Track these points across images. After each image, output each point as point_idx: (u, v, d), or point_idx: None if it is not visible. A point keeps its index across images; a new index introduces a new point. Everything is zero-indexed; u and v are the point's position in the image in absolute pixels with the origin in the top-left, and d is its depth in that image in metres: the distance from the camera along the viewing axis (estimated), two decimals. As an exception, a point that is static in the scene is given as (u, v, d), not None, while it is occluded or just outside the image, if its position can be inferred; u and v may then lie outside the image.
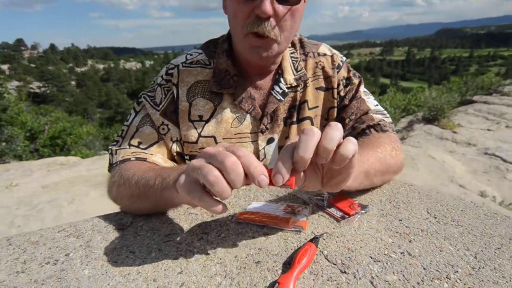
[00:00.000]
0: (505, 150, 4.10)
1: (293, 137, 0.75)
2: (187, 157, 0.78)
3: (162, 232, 0.56)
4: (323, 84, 0.79)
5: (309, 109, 0.77)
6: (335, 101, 0.79)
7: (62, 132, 8.99)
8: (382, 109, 0.81)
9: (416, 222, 0.54)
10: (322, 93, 0.79)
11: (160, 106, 0.74)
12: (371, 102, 0.80)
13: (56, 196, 3.32)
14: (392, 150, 0.69)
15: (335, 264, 0.45)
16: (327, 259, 0.47)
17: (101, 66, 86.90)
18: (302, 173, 0.44)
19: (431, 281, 0.41)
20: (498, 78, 9.02)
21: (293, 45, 0.79)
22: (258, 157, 0.76)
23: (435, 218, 0.55)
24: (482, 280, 0.41)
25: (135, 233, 0.57)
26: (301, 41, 0.82)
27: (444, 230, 0.52)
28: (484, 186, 3.33)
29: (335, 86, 0.78)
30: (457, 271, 0.43)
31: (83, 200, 3.12)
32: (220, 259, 0.48)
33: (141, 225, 0.59)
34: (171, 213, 0.62)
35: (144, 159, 0.70)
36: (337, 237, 0.52)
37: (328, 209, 0.59)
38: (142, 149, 0.72)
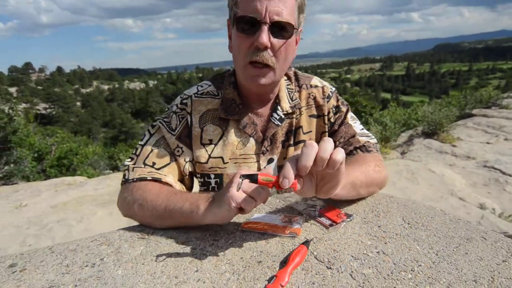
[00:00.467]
0: (504, 162, 4.16)
1: None
2: (198, 175, 0.89)
3: (179, 240, 0.67)
4: (315, 112, 0.91)
5: (304, 133, 0.90)
6: (326, 126, 0.91)
7: (69, 152, 9.17)
8: (367, 132, 0.93)
9: (392, 228, 0.65)
10: (314, 120, 0.91)
11: (176, 131, 0.85)
12: (357, 126, 0.92)
13: (65, 215, 3.42)
14: (375, 166, 0.81)
15: (322, 262, 0.56)
16: (316, 258, 0.57)
17: (106, 87, 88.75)
18: (301, 180, 0.57)
19: (399, 273, 0.52)
20: (496, 91, 9.16)
21: (289, 78, 0.92)
22: None
23: (408, 224, 0.66)
24: (439, 271, 0.51)
25: (156, 241, 0.67)
26: (296, 74, 0.95)
27: (414, 233, 0.62)
28: (484, 198, 3.38)
29: (326, 113, 0.91)
30: (420, 265, 0.53)
31: (91, 219, 3.21)
32: (229, 260, 0.58)
33: (161, 234, 0.70)
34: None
35: (159, 179, 0.81)
36: (325, 241, 0.62)
37: (319, 218, 0.70)
38: (156, 169, 0.83)
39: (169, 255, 0.61)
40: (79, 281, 0.56)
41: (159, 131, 0.87)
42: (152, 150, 0.84)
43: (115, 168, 10.78)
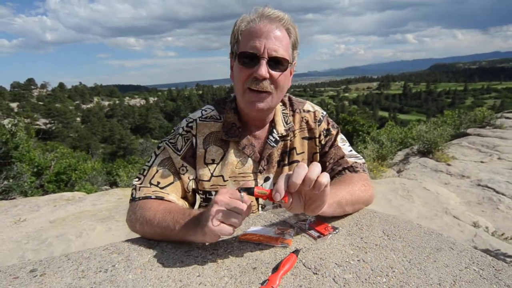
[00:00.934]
0: (497, 181, 4.24)
1: None
2: (200, 192, 0.97)
3: (183, 249, 0.74)
4: (307, 135, 1.01)
5: (297, 154, 0.99)
6: (318, 147, 1.01)
7: (68, 167, 9.20)
8: (355, 153, 1.03)
9: (373, 239, 0.73)
10: (306, 142, 1.01)
11: (181, 151, 0.94)
12: (346, 148, 1.02)
13: (64, 230, 3.44)
14: (361, 186, 0.89)
15: (309, 268, 0.63)
16: (304, 265, 0.65)
17: (106, 103, 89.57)
18: (291, 196, 0.66)
19: (375, 278, 0.59)
20: (490, 111, 9.36)
21: (284, 103, 1.03)
22: None
23: (387, 236, 0.74)
24: (410, 276, 0.59)
25: (162, 250, 0.75)
26: (290, 99, 1.05)
27: (392, 244, 0.70)
28: (478, 216, 3.43)
29: (317, 136, 1.01)
30: (394, 271, 0.61)
31: (90, 234, 3.23)
32: (227, 266, 0.66)
33: (166, 244, 0.78)
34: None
35: (162, 198, 0.89)
36: (313, 250, 0.70)
37: (308, 231, 0.78)
38: (160, 188, 0.91)
39: (174, 262, 0.69)
40: (94, 284, 0.63)
41: (164, 151, 0.96)
42: (157, 171, 0.93)
43: (113, 184, 10.77)
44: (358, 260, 0.65)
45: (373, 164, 6.10)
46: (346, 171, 0.96)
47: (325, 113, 1.06)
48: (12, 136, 6.35)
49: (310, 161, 1.01)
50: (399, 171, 5.75)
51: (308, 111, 1.03)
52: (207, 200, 0.97)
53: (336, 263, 0.64)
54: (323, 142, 1.01)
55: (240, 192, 0.66)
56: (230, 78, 0.96)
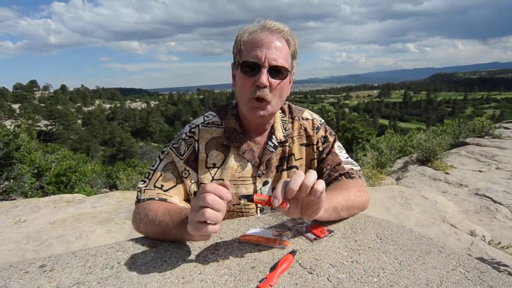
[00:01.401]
0: (494, 191, 4.27)
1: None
2: None
3: (185, 248, 0.78)
4: (305, 141, 1.05)
5: (295, 160, 1.03)
6: (315, 154, 1.05)
7: (68, 169, 9.22)
8: (351, 160, 1.07)
9: (366, 242, 0.76)
10: (304, 148, 1.05)
11: (184, 155, 0.99)
12: (342, 155, 1.06)
13: (64, 232, 3.46)
14: (357, 191, 0.93)
15: (305, 268, 0.67)
16: (300, 265, 0.68)
17: (107, 106, 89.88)
18: (288, 202, 0.69)
19: (367, 278, 0.63)
20: (489, 121, 9.41)
21: (283, 111, 1.07)
22: None
23: (380, 239, 0.77)
24: (399, 277, 0.62)
25: (165, 249, 0.78)
26: (289, 107, 1.10)
27: (384, 247, 0.74)
28: (475, 225, 3.45)
29: (315, 143, 1.05)
30: (385, 272, 0.64)
31: (90, 236, 3.25)
32: (227, 265, 0.69)
33: (169, 244, 0.81)
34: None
35: (165, 200, 0.93)
36: (309, 251, 0.73)
37: (305, 233, 0.81)
38: (164, 191, 0.95)
39: (177, 260, 0.72)
40: (101, 279, 0.66)
41: (167, 156, 1.00)
42: (161, 175, 0.97)
43: (113, 187, 10.77)
44: (351, 261, 0.68)
45: (372, 171, 6.13)
46: (343, 177, 1.00)
47: (323, 121, 1.10)
48: (15, 137, 6.39)
49: (308, 167, 1.05)
50: (398, 179, 5.78)
51: (307, 118, 1.07)
52: None
53: (330, 264, 0.68)
54: (320, 149, 1.05)
55: (240, 199, 0.71)
56: (232, 87, 1.01)
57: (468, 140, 8.19)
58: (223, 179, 0.98)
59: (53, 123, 62.09)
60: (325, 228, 0.83)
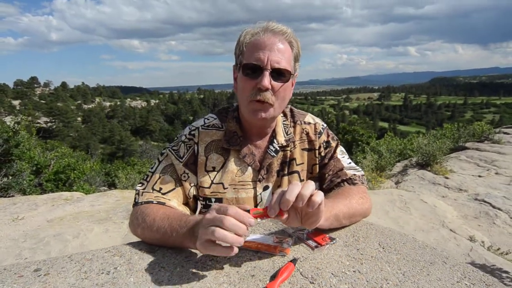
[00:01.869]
0: (494, 196, 4.26)
1: (284, 186, 0.98)
2: (200, 199, 0.99)
3: (184, 254, 0.76)
4: (307, 146, 1.03)
5: (297, 164, 1.01)
6: (317, 159, 1.03)
7: (67, 167, 9.19)
8: (354, 165, 1.05)
9: (369, 251, 0.75)
10: (306, 153, 1.03)
11: (183, 158, 0.97)
12: (345, 161, 1.04)
13: (61, 230, 3.44)
14: (359, 198, 0.92)
15: (306, 278, 0.65)
16: (301, 274, 0.67)
17: (107, 104, 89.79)
18: (287, 212, 0.67)
19: (370, 289, 0.61)
20: (488, 126, 9.41)
21: (285, 115, 1.06)
22: (256, 201, 0.98)
23: (383, 248, 0.76)
24: (403, 289, 0.61)
25: (163, 254, 0.77)
26: (292, 111, 1.08)
27: (387, 256, 0.72)
28: (474, 231, 3.44)
29: (317, 148, 1.03)
30: (388, 283, 0.63)
31: (87, 235, 3.23)
32: (226, 273, 0.68)
33: (167, 249, 0.79)
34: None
35: (163, 203, 0.91)
36: (310, 260, 0.72)
37: (306, 241, 0.80)
38: (162, 194, 0.93)
39: (175, 266, 0.71)
40: (97, 285, 0.65)
41: (167, 158, 0.98)
42: (160, 177, 0.95)
43: (111, 185, 10.75)
44: (353, 271, 0.67)
45: (372, 174, 6.12)
46: (345, 183, 0.98)
47: (325, 125, 1.09)
48: (14, 134, 6.37)
49: (309, 172, 1.04)
50: (397, 183, 5.76)
51: (309, 123, 1.06)
52: (207, 207, 0.99)
53: (332, 273, 0.66)
54: (322, 154, 1.03)
55: None
56: (233, 89, 0.99)
57: (467, 144, 8.18)
58: (223, 183, 0.96)
59: (53, 120, 62.04)
60: (327, 235, 0.82)
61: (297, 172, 1.01)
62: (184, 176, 0.96)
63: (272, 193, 0.99)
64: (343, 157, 1.05)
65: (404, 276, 0.65)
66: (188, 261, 0.73)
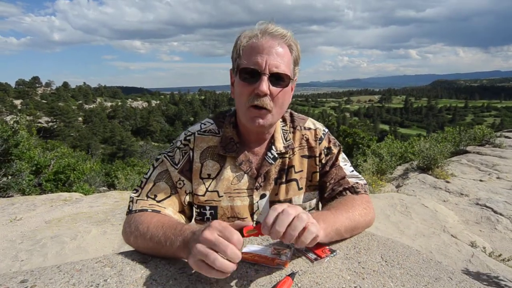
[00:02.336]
0: (495, 201, 4.21)
1: (282, 195, 0.95)
2: (195, 206, 0.96)
3: (177, 266, 0.73)
4: (307, 153, 0.99)
5: (295, 172, 0.97)
6: (317, 167, 0.99)
7: (66, 167, 9.17)
8: (356, 174, 1.01)
9: (371, 264, 0.72)
10: (306, 160, 0.99)
11: (178, 165, 0.94)
12: (347, 168, 1.00)
13: (59, 232, 3.41)
14: (363, 209, 0.88)
15: (305, 293, 0.62)
16: (300, 289, 0.63)
17: (109, 104, 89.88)
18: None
19: (372, 307, 0.58)
20: (489, 130, 9.36)
21: (284, 120, 1.02)
22: (252, 209, 0.95)
23: (386, 261, 0.73)
24: (407, 307, 0.58)
25: (155, 265, 0.74)
26: (291, 115, 1.05)
27: (390, 271, 0.69)
28: (476, 236, 3.40)
29: (317, 155, 0.99)
30: (391, 301, 0.59)
31: (85, 237, 3.20)
32: (221, 287, 0.65)
33: (159, 260, 0.76)
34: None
35: (158, 212, 0.87)
36: (309, 274, 0.69)
37: (305, 252, 0.77)
38: (157, 201, 0.90)
39: (167, 279, 0.67)
40: (85, 300, 0.62)
41: (162, 164, 0.95)
42: (154, 184, 0.92)
43: (111, 186, 10.72)
44: (355, 287, 0.64)
45: (372, 178, 6.08)
46: (347, 192, 0.94)
47: (326, 130, 1.05)
48: (14, 134, 6.35)
49: (309, 180, 1.00)
50: (398, 186, 5.72)
51: (309, 128, 1.02)
52: (201, 215, 0.96)
53: (332, 289, 0.63)
54: (323, 161, 1.00)
55: None
56: (231, 94, 0.96)
57: (468, 148, 8.14)
58: (218, 191, 0.93)
59: (54, 120, 62.14)
60: (327, 247, 0.79)
61: (296, 180, 0.97)
62: (180, 184, 0.93)
63: (270, 202, 0.96)
64: (345, 164, 1.01)
65: (407, 293, 0.62)
66: (181, 274, 0.70)
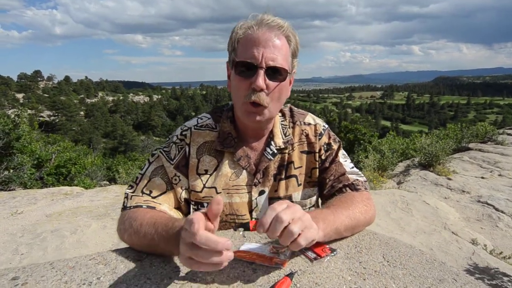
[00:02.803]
0: (497, 198, 4.19)
1: (281, 192, 0.93)
2: (192, 203, 0.94)
3: (172, 264, 0.71)
4: (306, 148, 0.97)
5: (295, 168, 0.95)
6: (317, 163, 0.96)
7: (68, 161, 9.19)
8: (356, 170, 0.98)
9: (372, 265, 0.69)
10: (305, 156, 0.96)
11: (174, 160, 0.91)
12: (347, 165, 0.97)
13: (59, 226, 3.41)
14: (363, 206, 0.86)
15: (304, 294, 0.60)
16: (298, 290, 0.61)
17: (110, 98, 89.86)
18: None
19: (373, 309, 0.56)
20: (492, 127, 9.30)
21: (283, 114, 0.99)
22: (250, 206, 0.92)
23: (388, 262, 0.70)
24: (410, 310, 0.55)
25: (150, 263, 0.72)
26: (291, 110, 1.02)
27: (392, 271, 0.67)
28: (477, 233, 3.38)
29: (317, 150, 0.96)
30: (393, 303, 0.57)
31: (85, 231, 3.20)
32: (217, 287, 0.63)
33: (155, 258, 0.74)
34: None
35: (154, 208, 0.85)
36: (308, 274, 0.66)
37: (304, 251, 0.74)
38: (152, 197, 0.87)
39: (162, 278, 0.66)
40: (77, 298, 0.60)
41: (158, 159, 0.92)
42: (150, 179, 0.89)
43: (112, 180, 10.74)
44: (355, 288, 0.61)
45: (374, 174, 6.05)
46: (347, 188, 0.92)
47: (326, 126, 1.02)
48: (15, 127, 6.35)
49: (308, 176, 0.97)
50: (399, 183, 5.70)
51: (309, 123, 0.99)
52: None
53: (332, 290, 0.61)
54: (323, 157, 0.97)
55: (235, 230, 0.67)
56: (227, 88, 0.93)
57: (470, 145, 8.09)
58: (215, 188, 0.91)
59: (56, 114, 62.24)
60: (327, 246, 0.76)
61: (295, 176, 0.95)
62: (175, 179, 0.90)
63: (269, 198, 0.94)
64: (345, 161, 0.98)
65: (410, 295, 0.59)
66: (176, 272, 0.68)
